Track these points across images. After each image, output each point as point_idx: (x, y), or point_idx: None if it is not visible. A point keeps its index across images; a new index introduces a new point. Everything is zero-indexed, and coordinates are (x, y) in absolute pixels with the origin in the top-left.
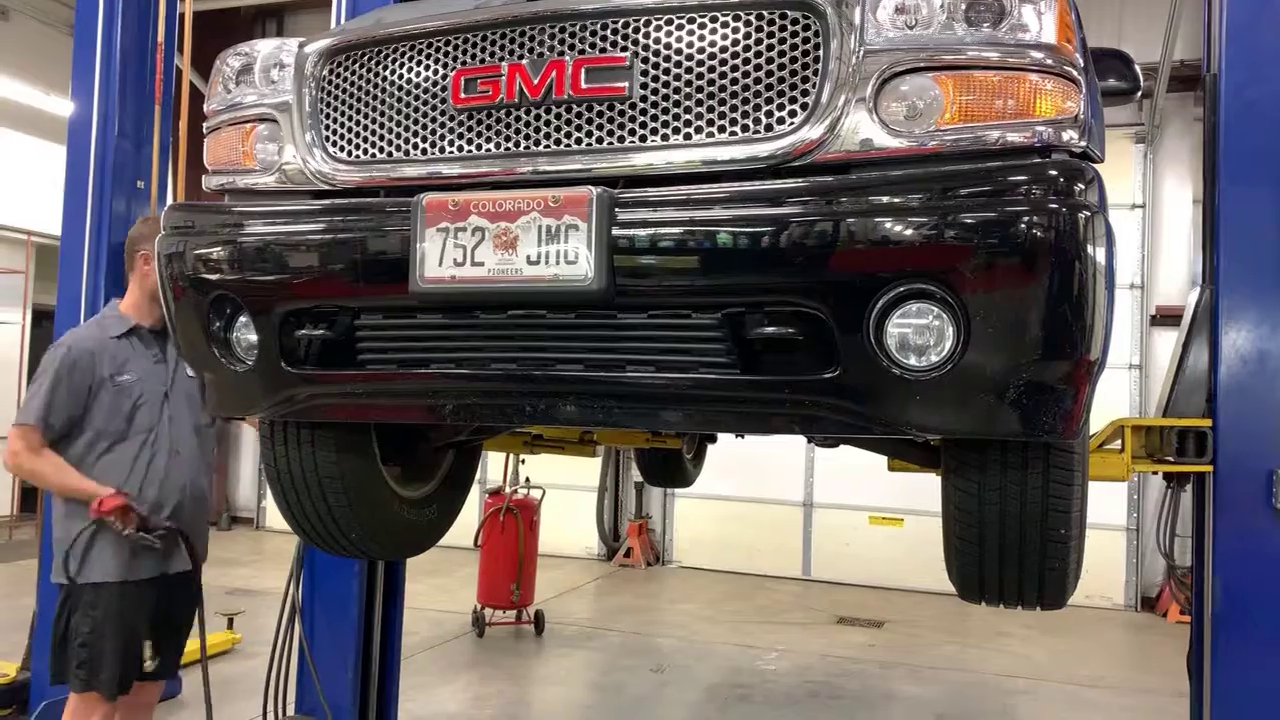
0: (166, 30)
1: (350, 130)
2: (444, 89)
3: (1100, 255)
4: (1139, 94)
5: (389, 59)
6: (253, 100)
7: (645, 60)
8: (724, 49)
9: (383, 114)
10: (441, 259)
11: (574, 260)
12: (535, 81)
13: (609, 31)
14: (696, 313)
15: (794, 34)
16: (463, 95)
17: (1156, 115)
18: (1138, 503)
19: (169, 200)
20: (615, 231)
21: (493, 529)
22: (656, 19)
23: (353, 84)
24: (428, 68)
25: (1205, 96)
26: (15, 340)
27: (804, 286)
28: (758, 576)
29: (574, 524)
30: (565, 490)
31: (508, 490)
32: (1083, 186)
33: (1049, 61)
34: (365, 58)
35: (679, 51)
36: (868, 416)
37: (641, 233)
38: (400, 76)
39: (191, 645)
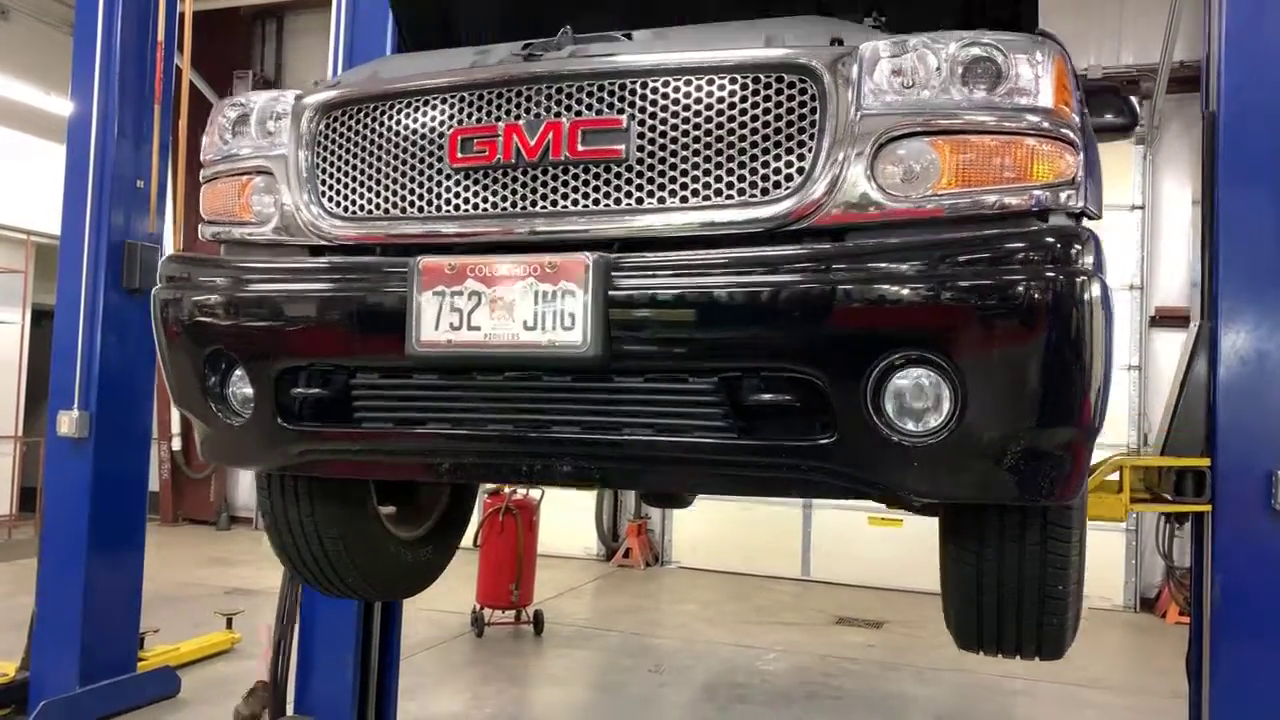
0: (166, 30)
1: (347, 186)
2: (440, 147)
3: (1098, 319)
4: (1136, 130)
5: (385, 116)
6: (248, 152)
7: (642, 123)
8: (721, 112)
9: (379, 171)
10: (438, 322)
11: (570, 326)
12: (532, 143)
13: (605, 93)
14: (693, 377)
15: (790, 97)
16: (459, 155)
17: (1156, 116)
18: None
19: (168, 200)
20: (612, 294)
21: (492, 529)
22: (653, 81)
23: (349, 139)
24: (424, 126)
25: (1204, 98)
26: (15, 340)
27: (801, 354)
28: (757, 577)
29: (573, 524)
30: (564, 490)
31: (507, 490)
32: (1079, 249)
33: (1046, 125)
34: (361, 114)
35: (676, 114)
36: (865, 481)
37: (638, 299)
38: (397, 134)
39: (190, 646)
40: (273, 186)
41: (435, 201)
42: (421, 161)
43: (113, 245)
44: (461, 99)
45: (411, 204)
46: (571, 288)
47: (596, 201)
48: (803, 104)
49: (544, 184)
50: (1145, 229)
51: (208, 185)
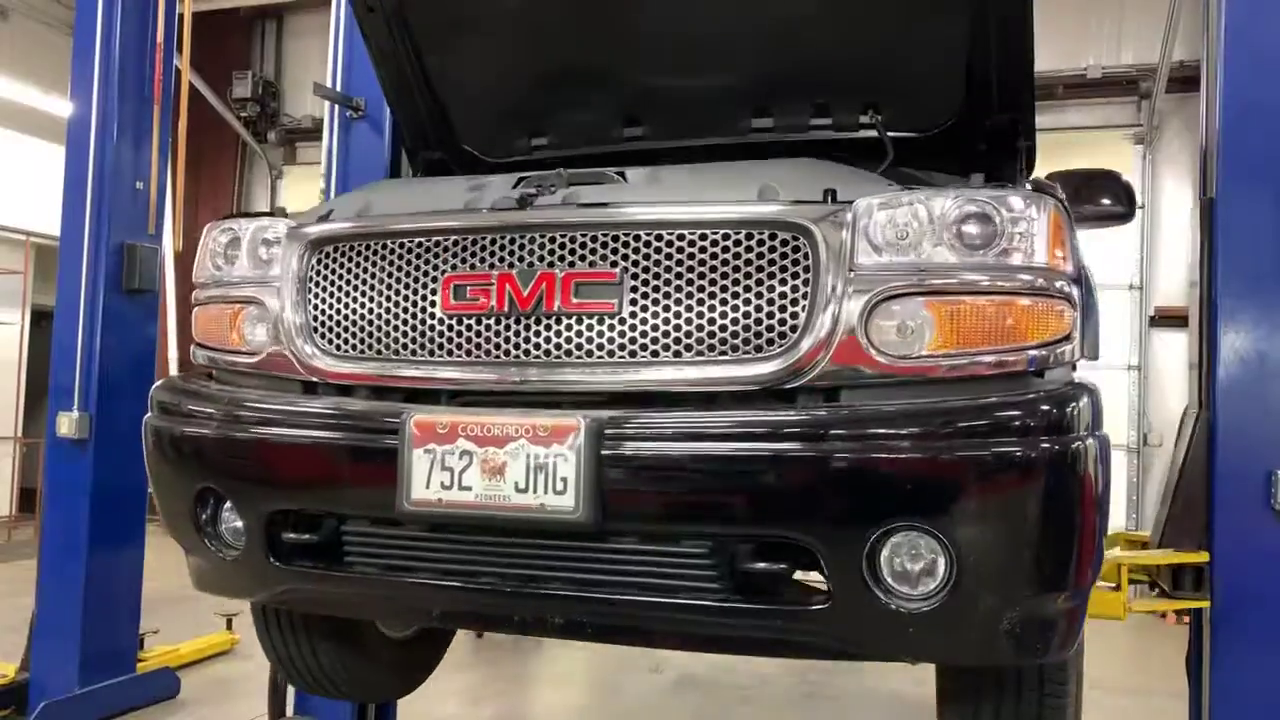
0: (166, 30)
1: (339, 324)
2: (434, 292)
3: (1093, 484)
4: (1133, 218)
5: (377, 255)
6: (240, 279)
7: (635, 276)
8: (714, 268)
9: (372, 310)
10: (429, 481)
11: (562, 490)
12: (525, 293)
13: (599, 245)
14: (686, 541)
15: (784, 255)
16: (452, 301)
17: (1156, 116)
18: (1137, 504)
19: (168, 200)
20: (604, 457)
21: None
22: (646, 234)
23: (341, 277)
24: (417, 268)
25: (1204, 98)
26: (15, 340)
27: (795, 521)
28: None
29: None
30: None
31: None
32: (1075, 409)
33: (1041, 283)
34: (353, 251)
35: (669, 269)
36: (860, 645)
37: (631, 465)
38: (389, 275)
39: (190, 647)
40: (265, 316)
41: (428, 346)
42: (414, 304)
43: (112, 246)
44: (455, 243)
45: (404, 346)
46: (564, 451)
47: (590, 353)
48: (795, 261)
49: (537, 333)
50: (1145, 228)
51: (200, 308)
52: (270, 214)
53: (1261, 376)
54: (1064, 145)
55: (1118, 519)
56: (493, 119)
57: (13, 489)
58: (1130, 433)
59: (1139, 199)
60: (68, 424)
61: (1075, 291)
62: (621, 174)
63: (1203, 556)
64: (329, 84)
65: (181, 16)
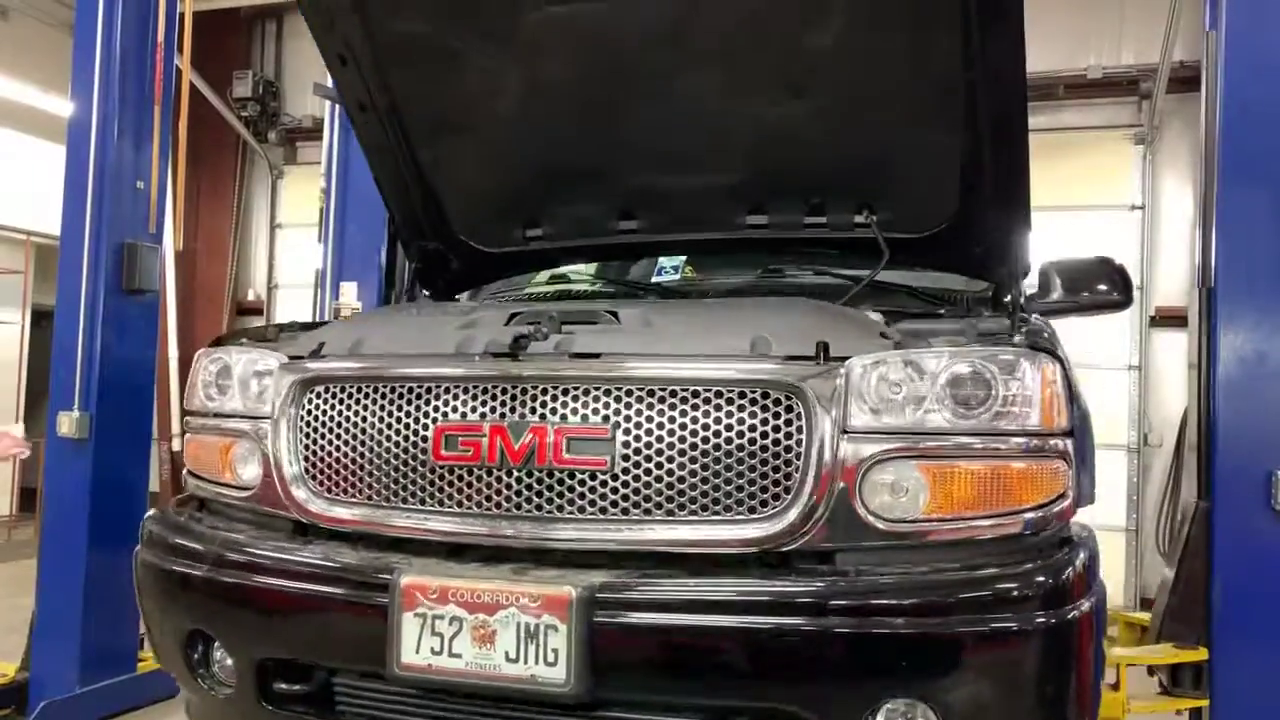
0: (166, 30)
1: (329, 465)
2: (425, 439)
3: (1090, 647)
4: (1130, 304)
5: (368, 399)
6: (231, 411)
7: (627, 433)
8: (706, 426)
9: (363, 455)
10: (419, 646)
11: (553, 662)
12: (516, 447)
13: (591, 399)
14: (680, 714)
15: (777, 415)
16: (444, 451)
17: (1156, 116)
18: (1137, 504)
19: (169, 200)
20: (596, 628)
21: None
22: (639, 390)
23: (331, 418)
24: (408, 414)
25: (1204, 98)
26: (15, 340)
27: (791, 695)
28: None
29: None
30: None
31: None
32: (1071, 573)
33: (1035, 444)
34: (344, 393)
35: (661, 425)
36: None
37: (623, 638)
38: (380, 420)
39: None
40: (256, 452)
41: (420, 495)
42: (406, 451)
43: (113, 246)
44: (446, 390)
45: (395, 494)
46: (555, 622)
47: (582, 509)
48: (789, 421)
49: (529, 487)
50: (1145, 229)
51: (192, 436)
52: (264, 334)
53: (1261, 376)
54: (1064, 145)
55: (1117, 520)
56: (487, 211)
57: (13, 489)
58: (1130, 433)
59: (1140, 199)
60: (68, 423)
61: (1071, 446)
62: (614, 314)
63: (1201, 654)
64: (329, 84)
65: (182, 16)
